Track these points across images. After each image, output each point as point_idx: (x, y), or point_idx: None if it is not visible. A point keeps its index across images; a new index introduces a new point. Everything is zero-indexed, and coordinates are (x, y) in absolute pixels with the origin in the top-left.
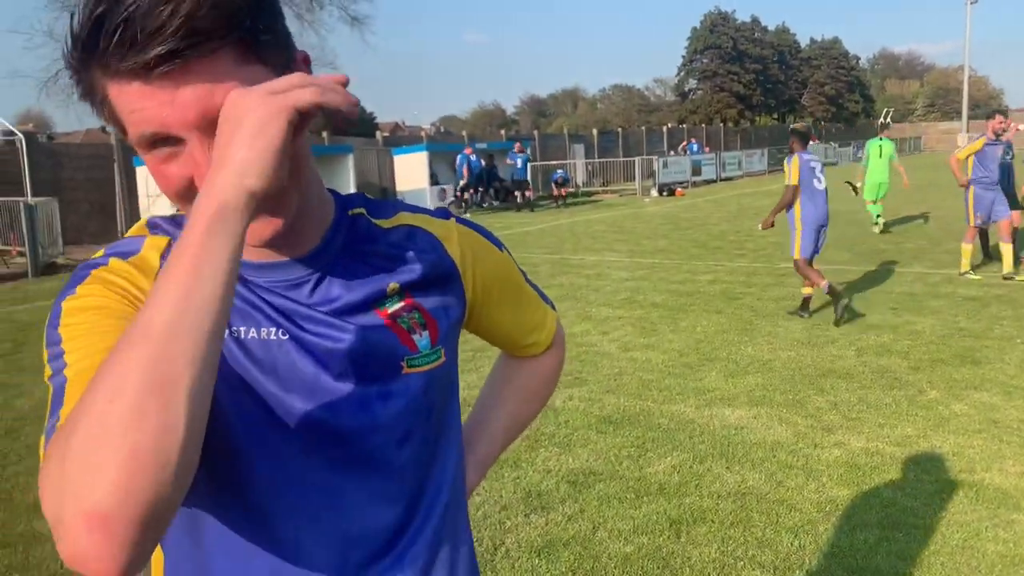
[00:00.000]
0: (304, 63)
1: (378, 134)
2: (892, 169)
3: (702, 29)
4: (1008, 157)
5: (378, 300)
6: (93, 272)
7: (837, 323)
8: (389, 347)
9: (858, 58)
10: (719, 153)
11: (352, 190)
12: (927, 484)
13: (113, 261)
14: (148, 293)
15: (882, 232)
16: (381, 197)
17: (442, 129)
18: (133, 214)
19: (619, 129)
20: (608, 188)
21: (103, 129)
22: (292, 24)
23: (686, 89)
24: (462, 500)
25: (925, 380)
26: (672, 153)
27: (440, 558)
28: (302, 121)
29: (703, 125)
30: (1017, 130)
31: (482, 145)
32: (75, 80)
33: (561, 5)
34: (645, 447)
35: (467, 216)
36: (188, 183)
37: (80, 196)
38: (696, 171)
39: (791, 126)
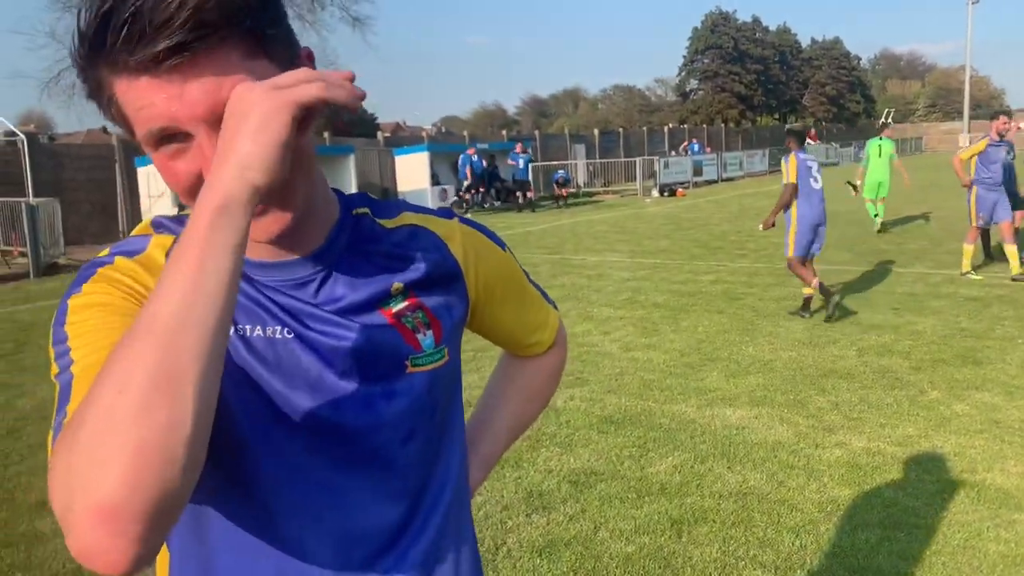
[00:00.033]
0: (308, 59)
1: (379, 134)
2: (892, 168)
3: (703, 29)
4: (1010, 157)
5: (382, 299)
6: (99, 270)
7: (828, 319)
8: (393, 346)
9: (859, 58)
10: (720, 153)
11: (354, 190)
12: (928, 484)
13: (119, 259)
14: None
15: (879, 232)
16: (383, 197)
17: (443, 129)
18: (134, 214)
19: (620, 129)
20: (609, 188)
21: (104, 130)
22: (293, 24)
23: (687, 89)
24: (465, 499)
25: (926, 380)
26: (673, 153)
27: (443, 556)
28: (307, 116)
29: (704, 125)
30: (1018, 128)
31: (483, 145)
32: (82, 78)
33: (562, 5)
34: (646, 447)
35: (469, 216)
36: (197, 179)
37: (81, 196)
38: (697, 171)
39: (787, 126)
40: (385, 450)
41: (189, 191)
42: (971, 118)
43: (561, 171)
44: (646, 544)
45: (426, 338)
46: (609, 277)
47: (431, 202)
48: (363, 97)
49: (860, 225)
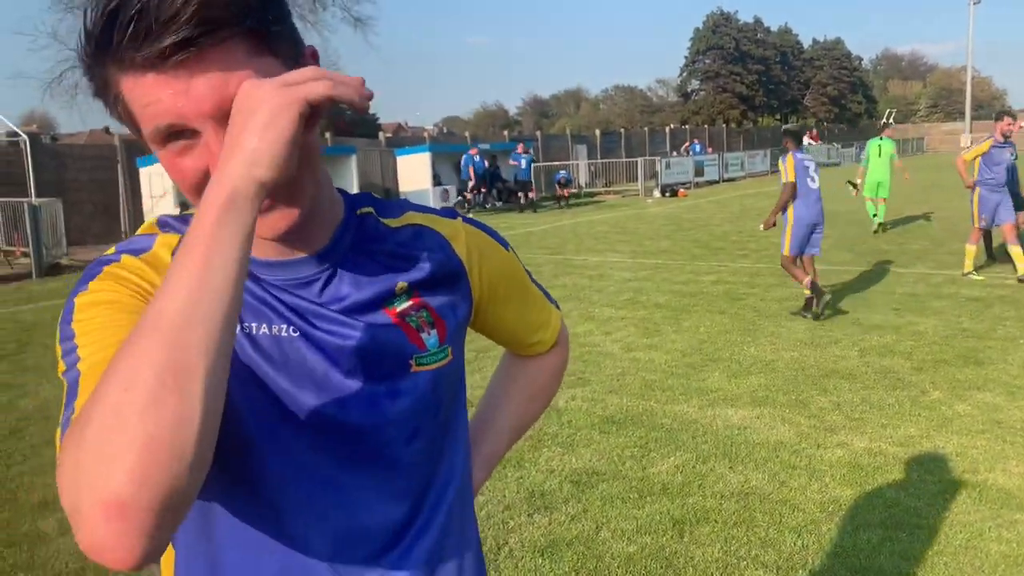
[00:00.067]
0: (312, 57)
1: (381, 135)
2: (893, 168)
3: (705, 30)
4: (1012, 158)
5: (387, 299)
6: (105, 268)
7: (816, 318)
8: (398, 345)
9: (861, 59)
10: (722, 154)
11: (356, 191)
12: (930, 484)
13: (125, 258)
14: None
15: (876, 232)
16: (385, 198)
17: (445, 130)
18: (137, 215)
19: (622, 130)
20: (611, 189)
21: (107, 130)
22: (295, 25)
23: (689, 90)
24: (469, 498)
25: (928, 380)
26: (675, 154)
27: (447, 555)
28: (314, 114)
29: (706, 126)
30: (1021, 127)
31: (485, 146)
32: (88, 77)
33: (563, 6)
34: (648, 447)
35: (471, 216)
36: (203, 175)
37: (84, 197)
38: (699, 172)
39: (784, 127)
40: (389, 449)
41: (196, 188)
42: (973, 119)
43: (563, 171)
44: (648, 544)
45: (430, 337)
46: (610, 277)
47: (432, 202)
48: (371, 97)
49: (861, 225)
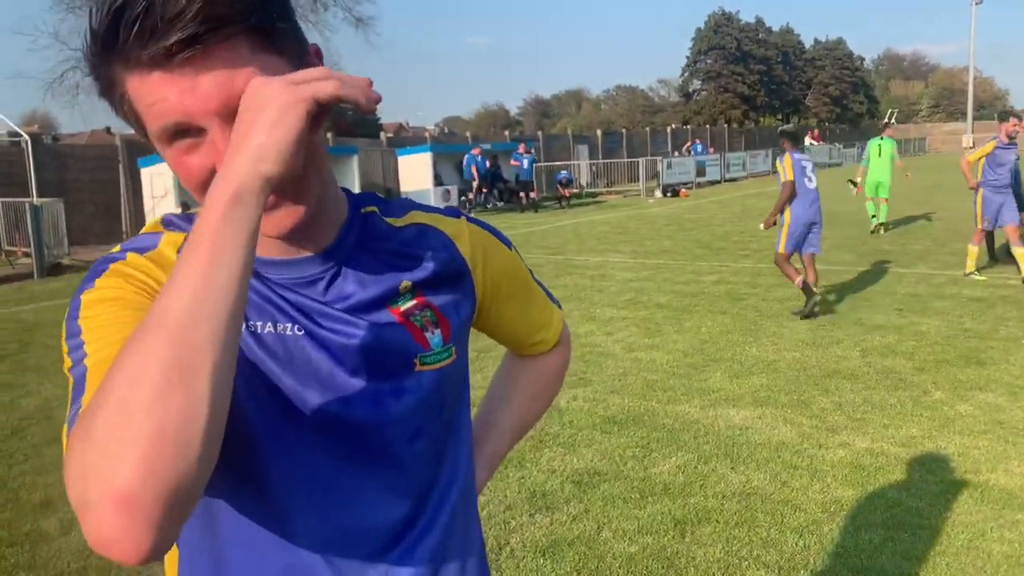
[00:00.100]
0: (316, 55)
1: (382, 135)
2: (894, 168)
3: (706, 30)
4: (1016, 159)
5: (391, 298)
6: (111, 266)
7: (801, 316)
8: (402, 344)
9: (862, 59)
10: (723, 154)
11: (357, 191)
12: (932, 485)
13: (131, 256)
14: None
15: (874, 232)
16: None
17: (446, 130)
18: (138, 215)
19: (623, 130)
20: (612, 189)
21: (108, 130)
22: None
23: (690, 90)
24: (472, 498)
25: (930, 381)
26: (676, 154)
27: (450, 555)
28: (321, 114)
29: (707, 126)
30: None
31: (486, 146)
32: (94, 76)
33: (565, 6)
34: (650, 447)
35: (472, 216)
36: (209, 173)
37: (85, 197)
38: (700, 172)
39: (781, 128)
40: (393, 448)
41: (202, 186)
42: (975, 119)
43: (564, 171)
44: (649, 544)
45: (434, 336)
46: (612, 278)
47: (434, 202)
48: (378, 100)
49: (863, 226)
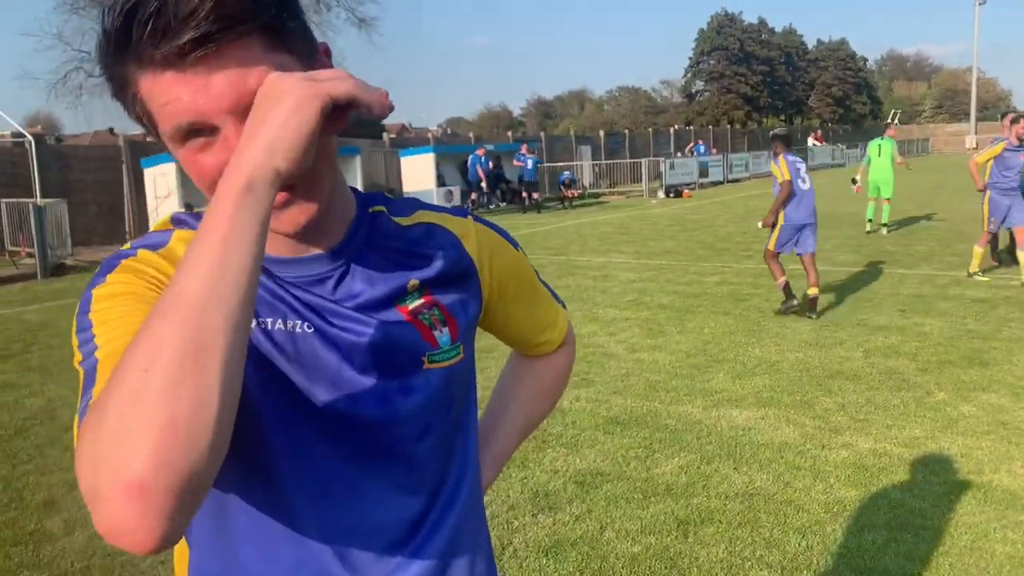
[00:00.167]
0: (326, 54)
1: (385, 136)
2: (895, 169)
3: (709, 30)
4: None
5: (399, 296)
6: (123, 261)
7: (779, 312)
8: (411, 342)
9: (865, 59)
10: (726, 155)
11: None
12: (935, 485)
13: (142, 252)
14: None
15: (869, 233)
16: None
17: (449, 131)
18: (141, 215)
19: (626, 131)
20: (615, 190)
21: (111, 131)
22: None
23: (693, 91)
24: (479, 496)
25: (933, 382)
26: (679, 155)
27: (460, 551)
28: (336, 113)
29: (710, 126)
30: None
31: (489, 147)
32: (107, 77)
33: (567, 7)
34: (652, 448)
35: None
36: (223, 172)
37: (88, 198)
38: (703, 173)
39: (772, 131)
40: (401, 445)
41: (215, 185)
42: (978, 120)
43: (567, 172)
44: (652, 544)
45: (443, 335)
46: (614, 278)
47: (437, 203)
48: (392, 108)
49: (866, 226)
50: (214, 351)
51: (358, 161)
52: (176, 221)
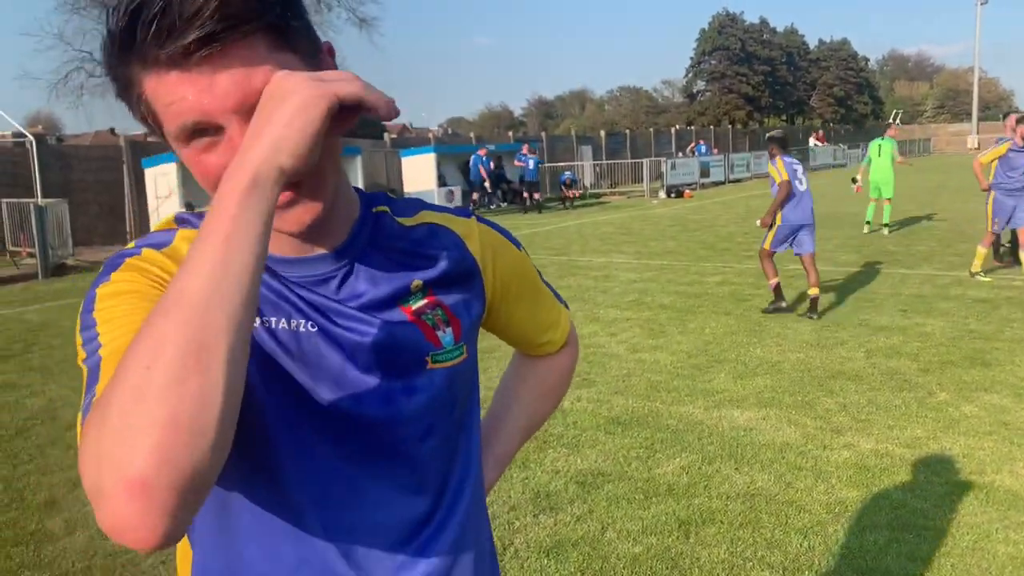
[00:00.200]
0: (329, 54)
1: (386, 136)
2: (895, 169)
3: (710, 30)
4: None
5: (402, 296)
6: (127, 260)
7: (764, 311)
8: (414, 342)
9: (867, 59)
10: (727, 155)
11: None
12: (937, 486)
13: (146, 251)
14: None
15: (869, 232)
16: None
17: (450, 131)
18: (142, 215)
19: (627, 131)
20: (616, 190)
21: (112, 131)
22: None
23: (694, 91)
24: (482, 496)
25: (935, 382)
26: (680, 155)
27: (464, 551)
28: (344, 116)
29: (711, 127)
30: None
31: (490, 147)
32: (112, 78)
33: (568, 7)
34: (654, 448)
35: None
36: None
37: (89, 198)
38: (704, 173)
39: (768, 134)
40: (405, 445)
41: (219, 184)
42: (980, 119)
43: (568, 172)
44: (653, 545)
45: (446, 335)
46: (616, 278)
47: (438, 203)
48: (398, 113)
49: (864, 228)
50: (217, 350)
51: (359, 161)
52: (180, 220)
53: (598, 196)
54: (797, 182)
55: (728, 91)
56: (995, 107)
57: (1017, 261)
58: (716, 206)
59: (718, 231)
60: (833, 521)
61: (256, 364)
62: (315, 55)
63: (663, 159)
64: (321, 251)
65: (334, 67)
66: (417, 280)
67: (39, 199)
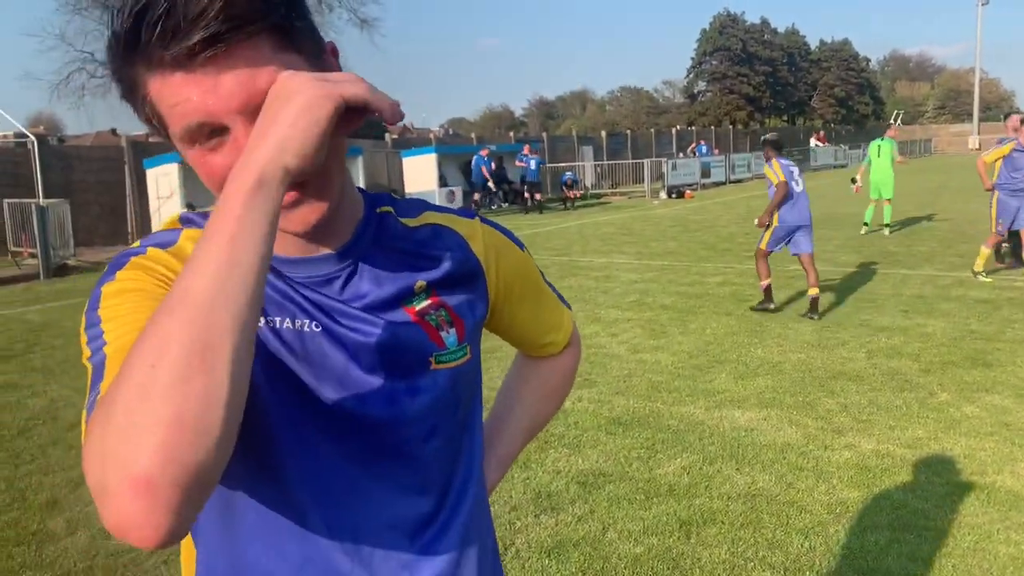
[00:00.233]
0: (333, 54)
1: (387, 136)
2: (895, 169)
3: (711, 31)
4: None
5: (406, 297)
6: (132, 259)
7: (753, 308)
8: (418, 343)
9: (868, 60)
10: (728, 155)
11: None
12: (938, 486)
13: (151, 250)
14: None
15: (864, 234)
16: None
17: (451, 131)
18: (143, 216)
19: (628, 131)
20: (617, 190)
21: (113, 131)
22: None
23: (695, 91)
24: (485, 496)
25: (936, 382)
26: (681, 155)
27: (468, 551)
28: (347, 115)
29: (712, 127)
30: None
31: (492, 147)
32: (116, 79)
33: (569, 7)
34: (655, 448)
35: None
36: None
37: (91, 198)
38: (705, 173)
39: (763, 137)
40: (408, 445)
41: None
42: (981, 120)
43: (569, 173)
44: (655, 545)
45: (450, 336)
46: (616, 279)
47: (439, 203)
48: (402, 116)
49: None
50: (222, 349)
51: (360, 162)
52: (184, 220)
53: (599, 196)
54: (794, 183)
55: (729, 91)
56: (996, 108)
57: (1019, 262)
58: (717, 206)
59: (719, 231)
60: (834, 521)
61: (260, 363)
62: (319, 55)
63: (664, 159)
64: (325, 251)
65: (338, 67)
66: (421, 281)
67: (41, 199)
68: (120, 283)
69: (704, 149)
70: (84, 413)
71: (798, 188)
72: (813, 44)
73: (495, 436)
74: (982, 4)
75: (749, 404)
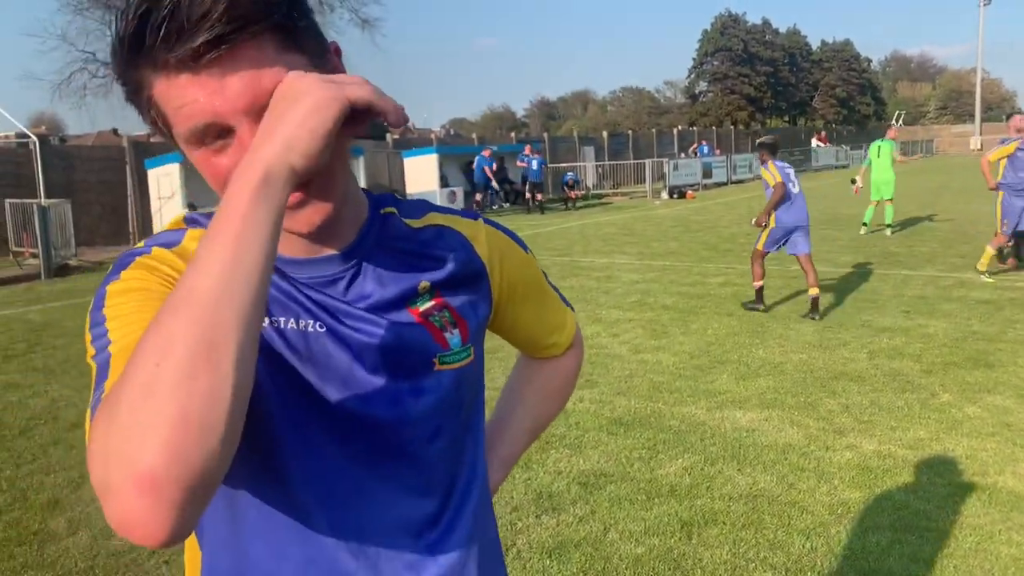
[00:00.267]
0: (336, 53)
1: (388, 136)
2: (897, 170)
3: (713, 31)
4: None
5: (410, 298)
6: (137, 259)
7: (743, 306)
8: (422, 344)
9: (870, 60)
10: (730, 155)
11: None
12: (940, 487)
13: (156, 250)
14: None
15: (863, 234)
16: None
17: (452, 132)
18: (145, 216)
19: (629, 131)
20: (618, 191)
21: (115, 131)
22: None
23: (696, 91)
24: (488, 497)
25: (937, 383)
26: (682, 155)
27: (472, 552)
28: (353, 117)
29: (713, 127)
30: None
31: (493, 147)
32: (121, 82)
33: (571, 7)
34: (656, 449)
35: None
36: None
37: (92, 198)
38: (706, 173)
39: (758, 140)
40: (412, 446)
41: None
42: (982, 120)
43: (570, 173)
44: (656, 546)
45: (453, 337)
46: (618, 279)
47: (440, 204)
48: (407, 120)
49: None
50: (226, 348)
51: (361, 162)
52: (189, 220)
53: (600, 197)
54: (790, 185)
55: (730, 92)
56: (998, 108)
57: (1021, 262)
58: (718, 207)
59: (720, 232)
60: (836, 522)
61: (264, 364)
62: (322, 55)
63: (665, 160)
64: (330, 252)
65: (341, 67)
66: (424, 281)
67: (42, 199)
68: (125, 283)
69: (706, 149)
70: (88, 412)
71: (795, 189)
72: (814, 44)
73: (498, 437)
74: (984, 4)
75: (750, 405)
